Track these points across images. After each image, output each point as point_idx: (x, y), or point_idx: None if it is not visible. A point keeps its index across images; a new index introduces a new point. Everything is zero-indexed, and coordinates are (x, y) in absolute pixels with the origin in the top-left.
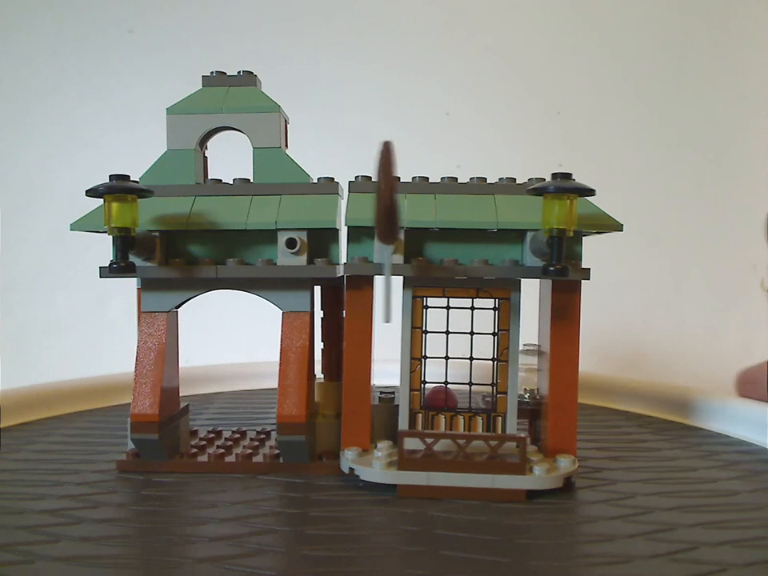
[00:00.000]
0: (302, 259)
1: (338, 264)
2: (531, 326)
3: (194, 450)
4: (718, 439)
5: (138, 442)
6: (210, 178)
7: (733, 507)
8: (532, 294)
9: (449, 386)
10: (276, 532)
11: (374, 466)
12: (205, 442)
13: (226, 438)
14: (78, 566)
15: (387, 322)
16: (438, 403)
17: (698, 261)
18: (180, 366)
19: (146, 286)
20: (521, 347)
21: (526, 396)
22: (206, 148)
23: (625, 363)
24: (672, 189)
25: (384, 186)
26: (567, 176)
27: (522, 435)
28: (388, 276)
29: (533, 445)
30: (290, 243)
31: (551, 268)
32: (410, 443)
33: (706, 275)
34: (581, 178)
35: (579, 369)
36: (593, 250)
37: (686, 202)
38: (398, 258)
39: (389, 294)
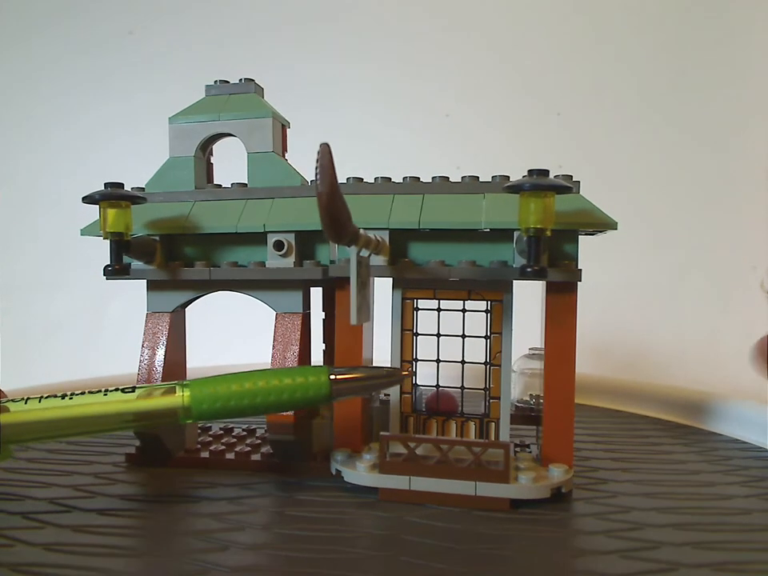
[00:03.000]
0: (290, 261)
1: (327, 265)
2: (536, 329)
3: (199, 446)
4: (753, 453)
5: (140, 437)
6: (213, 183)
7: (737, 527)
8: (537, 296)
9: (443, 389)
10: (246, 529)
11: (358, 469)
12: (211, 439)
13: (233, 435)
14: (52, 551)
15: (354, 324)
16: (440, 406)
17: (698, 262)
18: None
19: (151, 287)
20: (526, 351)
21: (532, 402)
22: (211, 154)
23: (624, 365)
24: (672, 190)
25: (323, 189)
26: (544, 173)
27: (507, 442)
28: (353, 277)
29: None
30: (278, 245)
31: (528, 269)
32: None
33: (706, 276)
34: (581, 179)
35: (582, 372)
36: (593, 251)
37: (685, 203)
38: (380, 260)
39: (355, 295)
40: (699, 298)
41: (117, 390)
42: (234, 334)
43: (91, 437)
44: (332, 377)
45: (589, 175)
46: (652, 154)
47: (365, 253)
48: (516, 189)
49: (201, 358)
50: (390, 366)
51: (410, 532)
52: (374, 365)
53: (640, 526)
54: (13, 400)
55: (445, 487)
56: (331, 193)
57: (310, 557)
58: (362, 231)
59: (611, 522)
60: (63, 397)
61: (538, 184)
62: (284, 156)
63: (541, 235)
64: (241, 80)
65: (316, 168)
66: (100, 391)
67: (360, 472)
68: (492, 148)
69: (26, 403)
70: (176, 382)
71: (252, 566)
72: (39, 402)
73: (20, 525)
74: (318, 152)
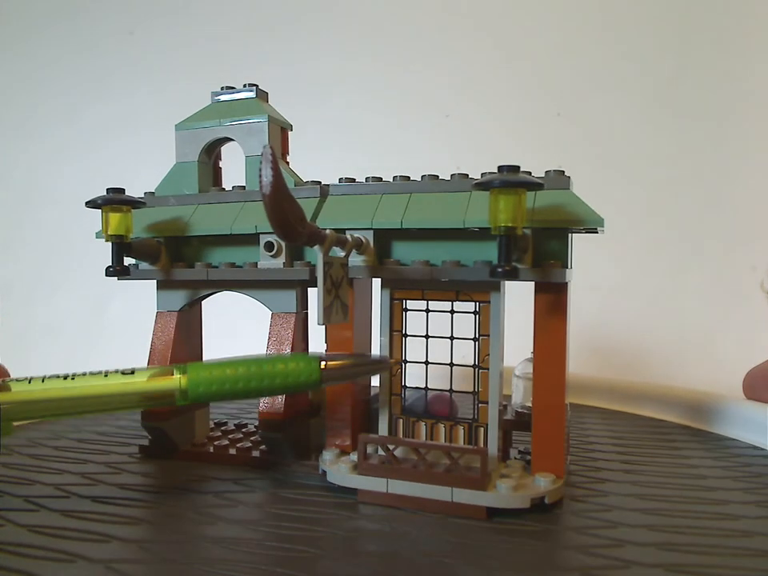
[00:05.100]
0: (280, 261)
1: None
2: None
3: (205, 440)
4: None
5: (148, 430)
6: (220, 186)
7: (728, 551)
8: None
9: (440, 392)
10: (217, 523)
11: (340, 470)
12: (220, 433)
13: (242, 431)
14: (35, 533)
15: (321, 324)
16: (437, 410)
17: (698, 262)
18: None
19: (159, 287)
20: (528, 355)
21: None
22: (219, 158)
23: (623, 366)
24: (672, 190)
25: (267, 191)
26: (515, 169)
27: (483, 447)
28: (320, 277)
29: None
30: (268, 246)
31: (499, 269)
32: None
33: (706, 276)
34: (581, 180)
35: (605, 376)
36: (593, 251)
37: (685, 203)
38: (362, 260)
39: (322, 296)
40: (699, 298)
41: (117, 371)
42: (240, 334)
43: (112, 428)
44: (322, 363)
45: (588, 175)
46: (652, 154)
47: (339, 253)
48: (485, 186)
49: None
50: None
51: (376, 536)
52: None
53: (621, 544)
54: (17, 379)
55: (422, 492)
56: (275, 195)
57: (267, 553)
58: (328, 231)
59: (592, 537)
60: (65, 378)
61: (507, 181)
62: (285, 158)
63: (512, 234)
64: (245, 85)
65: (260, 170)
66: (101, 373)
67: (341, 472)
68: (492, 148)
69: (29, 383)
70: (174, 365)
71: (205, 559)
72: (42, 382)
73: (18, 507)
74: (262, 154)
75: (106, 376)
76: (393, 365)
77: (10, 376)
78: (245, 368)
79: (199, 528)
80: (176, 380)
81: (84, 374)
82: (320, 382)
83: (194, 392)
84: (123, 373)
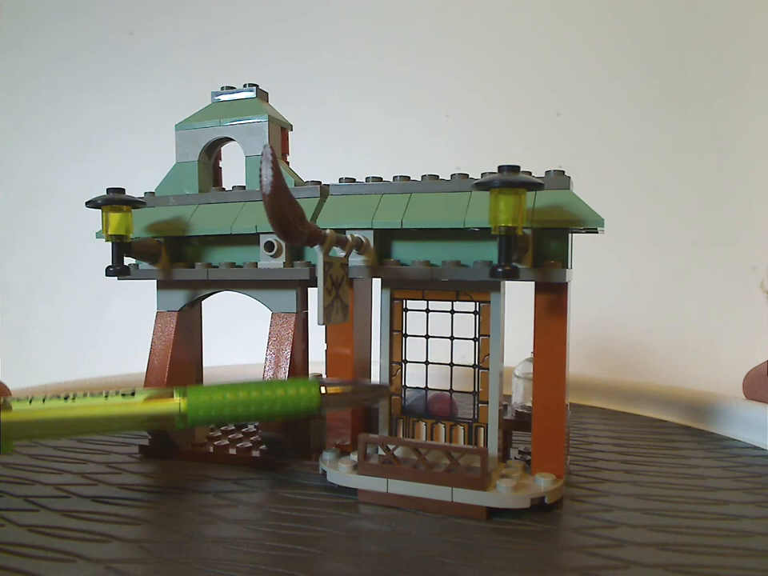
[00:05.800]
0: (280, 261)
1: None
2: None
3: (205, 440)
4: None
5: (149, 430)
6: (220, 186)
7: (728, 551)
8: None
9: (433, 391)
10: (218, 523)
11: (340, 469)
12: (220, 434)
13: (242, 431)
14: (35, 533)
15: (321, 324)
16: (437, 410)
17: (698, 262)
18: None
19: (159, 287)
20: (528, 355)
21: None
22: (219, 158)
23: (623, 366)
24: (672, 190)
25: (266, 191)
26: (515, 169)
27: (484, 447)
28: (320, 277)
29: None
30: (268, 246)
31: (499, 269)
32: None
33: (706, 277)
34: (581, 180)
35: (606, 376)
36: (594, 251)
37: (686, 203)
38: (362, 260)
39: (322, 296)
40: (699, 298)
41: (117, 393)
42: (240, 334)
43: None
44: (322, 390)
45: (589, 175)
46: (652, 155)
47: (340, 253)
48: (485, 186)
49: (217, 358)
50: (378, 368)
51: (376, 536)
52: (371, 366)
53: (621, 544)
54: (18, 399)
55: (422, 492)
56: (275, 195)
57: (267, 553)
58: (329, 231)
59: (592, 537)
60: (66, 398)
61: (507, 181)
62: (285, 158)
63: (512, 234)
64: (245, 85)
65: (260, 170)
66: (101, 394)
67: (341, 472)
68: (492, 148)
69: (30, 403)
70: (174, 388)
71: (205, 559)
72: (43, 402)
73: (18, 507)
74: (262, 154)
75: (106, 398)
76: (391, 393)
77: (10, 394)
78: (245, 393)
79: (199, 528)
80: (176, 405)
81: (84, 396)
82: (320, 408)
83: (193, 416)
84: (123, 395)
